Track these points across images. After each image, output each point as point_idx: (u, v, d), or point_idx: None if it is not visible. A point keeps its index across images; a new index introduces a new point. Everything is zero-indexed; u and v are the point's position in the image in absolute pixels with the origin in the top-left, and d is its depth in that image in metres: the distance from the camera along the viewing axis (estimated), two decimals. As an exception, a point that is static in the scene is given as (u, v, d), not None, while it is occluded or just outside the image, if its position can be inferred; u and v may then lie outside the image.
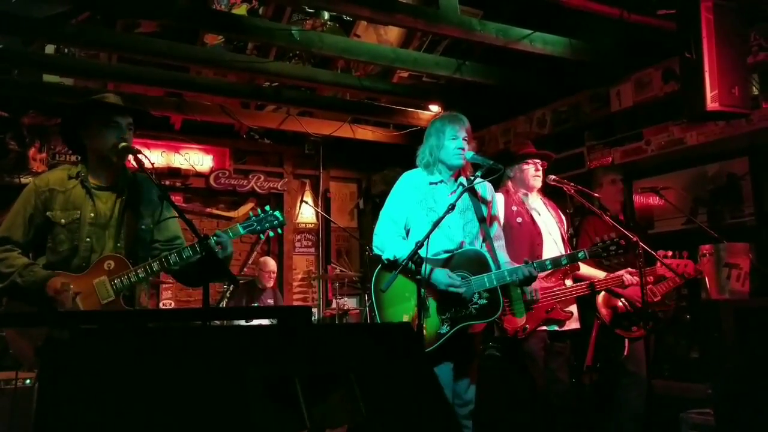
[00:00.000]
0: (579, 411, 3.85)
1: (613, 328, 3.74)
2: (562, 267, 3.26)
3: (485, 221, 3.02)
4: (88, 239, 2.49)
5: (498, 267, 2.87)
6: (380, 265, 2.95)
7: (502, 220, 3.43)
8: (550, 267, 3.09)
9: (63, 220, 2.49)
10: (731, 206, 4.57)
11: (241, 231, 2.62)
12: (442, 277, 2.78)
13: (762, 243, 4.24)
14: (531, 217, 3.52)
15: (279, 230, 2.70)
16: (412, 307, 2.79)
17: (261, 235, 2.64)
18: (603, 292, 3.74)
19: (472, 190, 2.96)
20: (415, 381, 1.46)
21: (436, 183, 3.00)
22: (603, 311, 3.75)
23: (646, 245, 3.46)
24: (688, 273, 3.60)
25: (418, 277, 2.68)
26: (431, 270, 2.77)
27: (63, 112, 2.64)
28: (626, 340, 3.73)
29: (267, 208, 2.71)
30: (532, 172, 3.56)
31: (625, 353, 3.71)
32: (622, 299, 3.71)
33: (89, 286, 2.45)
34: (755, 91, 4.11)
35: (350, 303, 7.41)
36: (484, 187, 3.07)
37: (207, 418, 1.19)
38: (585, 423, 3.98)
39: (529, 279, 2.90)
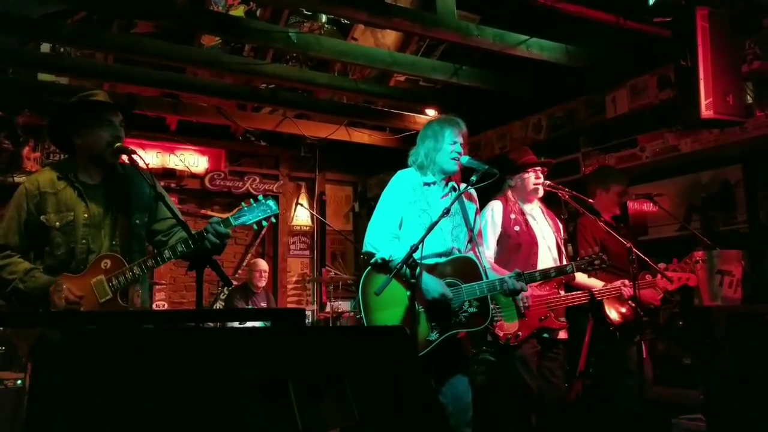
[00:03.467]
0: (572, 415, 3.85)
1: (624, 333, 3.71)
2: (551, 279, 3.26)
3: (472, 225, 3.00)
4: (83, 240, 2.49)
5: (486, 274, 2.85)
6: (370, 266, 2.87)
7: (496, 227, 3.45)
8: (539, 278, 3.09)
9: (57, 223, 2.47)
10: (724, 213, 4.59)
11: (233, 223, 2.50)
12: (434, 284, 2.74)
13: (754, 250, 4.26)
14: (528, 225, 3.52)
15: (273, 219, 2.56)
16: (401, 312, 2.76)
17: (255, 226, 2.56)
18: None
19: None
20: (409, 384, 1.46)
21: (429, 184, 2.98)
22: (611, 315, 3.72)
23: (639, 251, 3.46)
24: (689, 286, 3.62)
25: (413, 280, 2.66)
26: (420, 273, 2.68)
27: (53, 112, 2.60)
28: (629, 345, 3.71)
29: (260, 197, 2.55)
30: (533, 180, 3.56)
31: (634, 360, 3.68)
32: (629, 302, 3.69)
33: (87, 286, 2.44)
34: (749, 100, 4.13)
35: (344, 306, 7.40)
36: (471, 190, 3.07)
37: (199, 421, 1.18)
38: (578, 427, 3.98)
39: (518, 291, 2.87)
